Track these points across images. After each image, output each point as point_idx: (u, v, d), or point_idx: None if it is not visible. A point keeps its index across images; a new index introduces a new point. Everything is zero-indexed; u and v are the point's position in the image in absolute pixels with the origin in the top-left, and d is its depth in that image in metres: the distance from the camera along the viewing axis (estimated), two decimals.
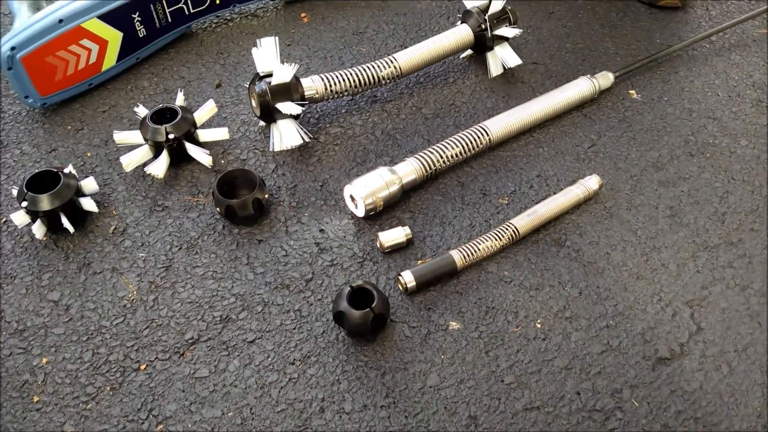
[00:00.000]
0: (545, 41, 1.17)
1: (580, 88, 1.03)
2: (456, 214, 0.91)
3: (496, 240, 0.85)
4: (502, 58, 1.06)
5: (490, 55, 1.07)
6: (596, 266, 0.86)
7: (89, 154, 0.99)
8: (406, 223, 0.90)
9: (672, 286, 0.85)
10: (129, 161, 0.92)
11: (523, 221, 0.86)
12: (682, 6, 1.24)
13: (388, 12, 1.23)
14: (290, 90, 0.92)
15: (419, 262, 0.85)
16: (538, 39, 1.17)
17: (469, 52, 1.11)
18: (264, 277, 0.85)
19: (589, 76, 1.04)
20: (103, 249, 0.88)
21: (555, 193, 0.92)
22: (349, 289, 0.76)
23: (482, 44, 1.05)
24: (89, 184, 0.90)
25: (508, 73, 1.09)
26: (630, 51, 1.16)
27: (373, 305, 0.75)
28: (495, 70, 1.08)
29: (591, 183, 0.91)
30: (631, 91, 1.09)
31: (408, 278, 0.81)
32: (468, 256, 0.83)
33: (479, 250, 0.84)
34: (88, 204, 0.89)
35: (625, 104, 1.07)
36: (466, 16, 1.06)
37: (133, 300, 0.83)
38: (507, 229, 0.85)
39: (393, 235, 0.86)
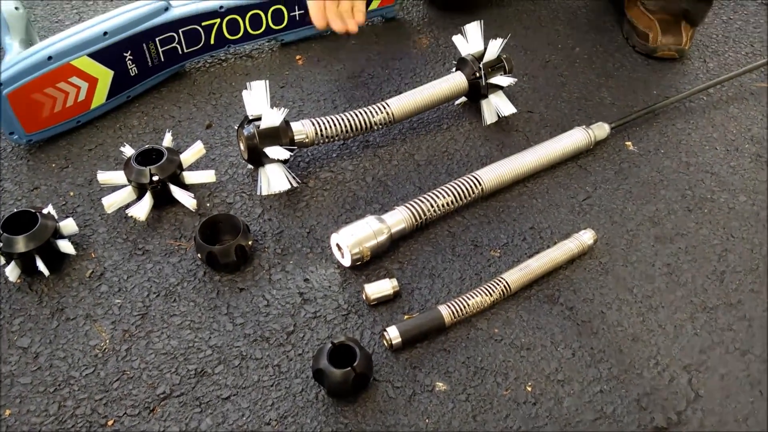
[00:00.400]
0: (541, 90, 1.16)
1: (575, 138, 1.01)
2: (446, 266, 0.88)
3: (486, 296, 0.81)
4: (496, 106, 1.05)
5: (484, 103, 1.06)
6: (590, 326, 0.83)
7: (72, 194, 0.97)
8: (394, 275, 0.87)
9: (669, 349, 0.81)
10: (111, 202, 0.89)
11: (515, 276, 0.83)
12: (680, 57, 1.23)
13: (384, 56, 1.22)
14: (279, 134, 0.90)
15: (406, 317, 0.82)
16: (533, 87, 1.16)
17: (463, 99, 1.09)
18: (243, 329, 0.81)
19: (584, 126, 1.03)
20: (78, 294, 0.85)
21: (548, 247, 0.89)
22: (330, 345, 0.73)
23: (476, 92, 1.04)
24: (68, 226, 0.88)
25: (502, 120, 1.08)
26: (627, 102, 1.14)
27: (355, 364, 0.71)
28: (489, 117, 1.07)
29: (585, 238, 0.89)
30: (627, 143, 1.07)
31: (393, 334, 0.77)
32: (457, 312, 0.80)
33: (469, 306, 0.80)
34: (65, 246, 0.86)
35: (621, 156, 1.05)
36: (461, 63, 1.05)
37: (105, 349, 0.79)
38: (498, 285, 0.82)
39: (379, 288, 0.82)
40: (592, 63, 1.22)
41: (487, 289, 0.82)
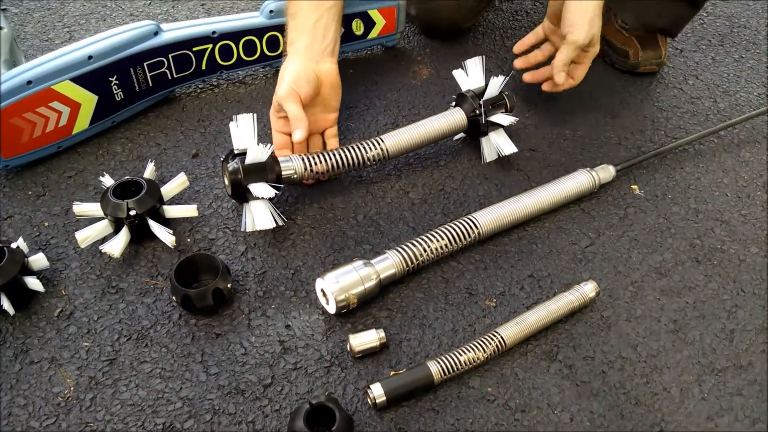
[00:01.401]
0: (543, 127, 1.11)
1: (578, 181, 0.96)
2: (438, 315, 0.83)
3: (479, 351, 0.76)
4: (496, 144, 1.00)
5: (484, 141, 1.01)
6: (590, 387, 0.77)
7: (47, 224, 0.92)
8: (381, 323, 0.81)
9: (674, 415, 0.75)
10: (84, 236, 0.84)
11: (511, 331, 0.78)
12: (658, 71, 1.23)
13: (381, 87, 1.18)
14: (265, 170, 0.86)
15: (392, 372, 0.76)
16: (536, 125, 1.11)
17: (462, 134, 1.05)
18: (217, 379, 0.76)
19: (588, 168, 0.98)
20: (44, 334, 0.80)
21: (548, 298, 0.84)
22: (307, 406, 0.67)
23: (476, 129, 0.99)
24: (38, 261, 0.83)
25: (503, 159, 1.03)
26: (633, 142, 1.10)
27: (334, 428, 0.65)
28: (489, 155, 1.02)
29: (587, 290, 0.83)
30: (633, 186, 1.02)
31: (378, 392, 0.72)
32: (447, 368, 0.74)
33: (460, 362, 0.75)
34: (33, 284, 0.81)
35: (627, 200, 1.00)
36: (460, 99, 1.00)
37: (68, 398, 0.74)
38: (492, 339, 0.77)
39: (365, 339, 0.77)
40: (597, 101, 1.18)
41: (480, 344, 0.76)
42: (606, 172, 0.98)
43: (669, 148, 1.05)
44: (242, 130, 0.86)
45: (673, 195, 1.02)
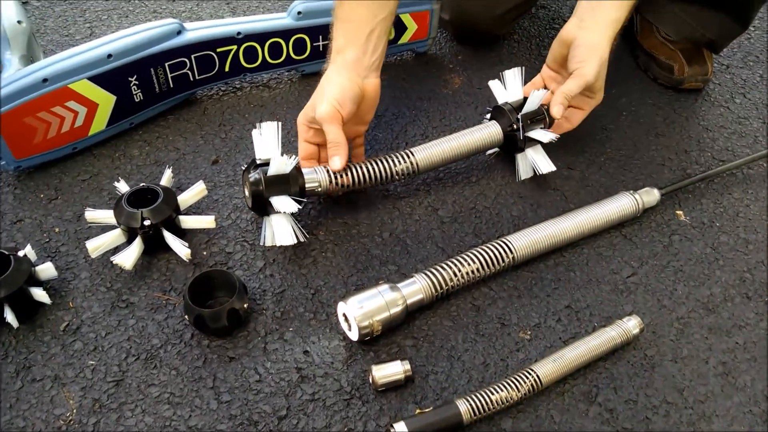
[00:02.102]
0: (582, 144, 1.04)
1: (621, 204, 0.90)
2: (468, 346, 0.77)
3: (513, 390, 0.70)
4: (533, 161, 0.94)
5: (520, 157, 0.95)
6: None
7: (57, 230, 0.88)
8: (407, 354, 0.76)
9: None
10: (96, 246, 0.79)
11: (548, 368, 0.72)
12: (704, 87, 1.16)
13: (410, 95, 1.12)
14: (288, 182, 0.80)
15: (417, 410, 0.70)
16: (574, 140, 1.04)
17: (496, 149, 0.99)
18: (229, 408, 0.70)
19: (631, 192, 0.91)
20: (49, 350, 0.75)
21: (587, 333, 0.78)
22: None
23: (512, 145, 0.93)
24: (46, 270, 0.78)
25: (539, 177, 0.97)
26: (678, 164, 1.03)
27: None
28: (524, 173, 0.96)
29: (630, 326, 0.77)
30: (678, 212, 0.95)
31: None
32: (478, 408, 0.68)
33: (492, 401, 0.69)
34: (39, 295, 0.76)
35: (672, 227, 0.93)
36: (496, 112, 0.94)
37: (70, 421, 0.69)
38: (527, 378, 0.71)
39: (389, 371, 0.71)
40: (639, 117, 1.11)
41: (514, 383, 0.70)
42: (650, 196, 0.92)
43: (716, 172, 0.98)
44: (265, 138, 0.81)
45: (721, 223, 0.95)
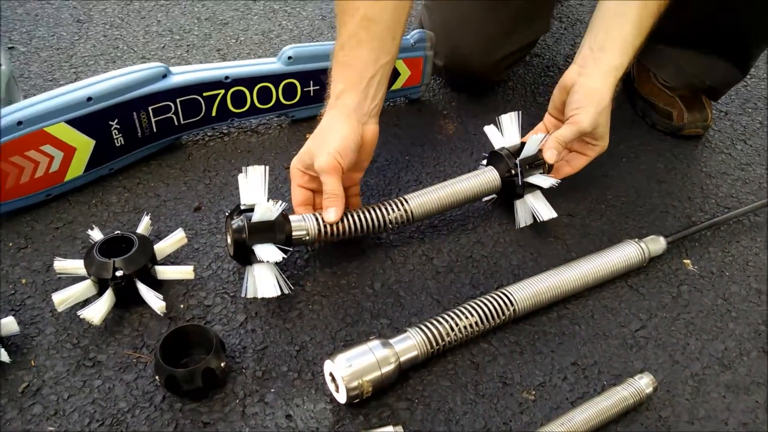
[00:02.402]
0: (582, 190, 1.01)
1: (626, 253, 0.85)
2: (467, 409, 0.70)
3: None
4: (533, 208, 0.89)
5: (518, 203, 0.91)
6: None
7: (24, 281, 0.82)
8: (400, 416, 0.69)
9: None
10: (63, 298, 0.73)
11: None
12: (704, 134, 1.14)
13: (403, 141, 1.09)
14: (274, 230, 0.75)
15: None
16: (573, 187, 1.00)
17: (493, 196, 0.94)
18: None
19: (636, 240, 0.87)
20: (4, 414, 0.68)
21: (596, 392, 0.72)
22: None
23: (511, 191, 0.89)
24: (8, 325, 0.72)
25: (538, 224, 0.92)
26: (682, 211, 0.99)
27: None
28: (523, 220, 0.92)
29: (643, 384, 0.71)
30: (685, 261, 0.91)
31: None
32: None
33: None
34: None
35: (680, 277, 0.88)
36: (493, 157, 0.91)
37: None
38: None
39: None
40: (640, 163, 1.08)
41: None
42: (656, 244, 0.87)
43: (723, 219, 0.94)
44: (251, 183, 0.77)
45: (730, 272, 0.90)
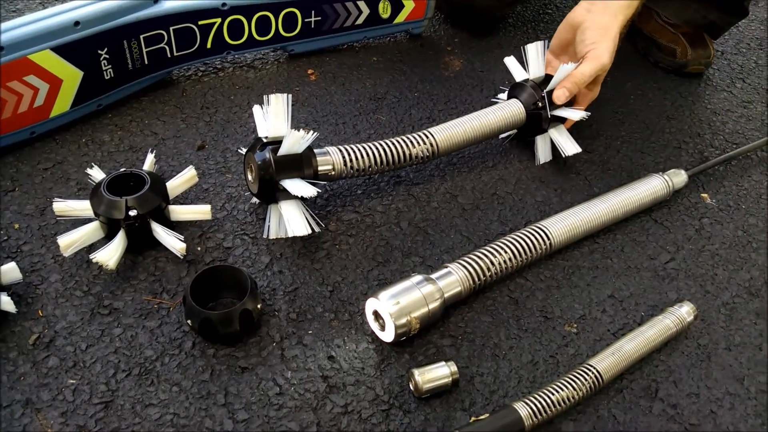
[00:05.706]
0: (595, 127, 0.99)
1: (652, 186, 0.84)
2: (512, 343, 0.69)
3: (573, 389, 0.62)
4: (558, 142, 0.87)
5: (539, 139, 0.88)
6: (701, 430, 0.64)
7: (17, 226, 0.73)
8: (446, 353, 0.67)
9: None
10: (69, 242, 0.66)
11: (608, 363, 0.64)
12: (705, 71, 1.14)
13: (411, 78, 1.04)
14: (302, 164, 0.70)
15: (472, 418, 0.61)
16: (587, 123, 0.98)
17: (511, 132, 0.91)
18: (248, 427, 0.59)
19: (660, 173, 0.86)
20: (16, 369, 0.61)
21: (635, 323, 0.71)
22: None
23: (535, 125, 0.86)
24: (9, 272, 0.64)
25: (558, 161, 0.90)
26: (694, 146, 0.99)
27: None
28: (544, 156, 0.89)
29: (684, 312, 0.70)
30: (703, 195, 0.91)
31: None
32: (539, 411, 0.60)
33: (552, 404, 0.60)
34: (3, 302, 0.62)
35: (700, 210, 0.88)
36: (516, 89, 0.87)
37: None
38: (587, 374, 0.63)
39: (435, 374, 0.62)
40: (648, 100, 1.07)
41: (574, 381, 0.62)
42: (679, 177, 0.87)
43: (737, 154, 0.94)
44: (273, 114, 0.70)
45: (746, 205, 0.91)
